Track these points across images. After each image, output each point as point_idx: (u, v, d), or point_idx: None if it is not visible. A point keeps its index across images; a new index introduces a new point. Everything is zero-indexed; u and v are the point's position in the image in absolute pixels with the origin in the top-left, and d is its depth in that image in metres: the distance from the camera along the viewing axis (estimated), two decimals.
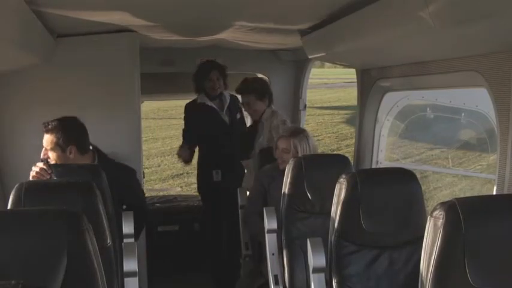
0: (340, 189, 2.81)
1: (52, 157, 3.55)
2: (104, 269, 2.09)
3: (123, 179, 3.78)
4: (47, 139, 3.57)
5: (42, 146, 3.60)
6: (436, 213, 2.01)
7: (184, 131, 5.31)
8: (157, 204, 6.02)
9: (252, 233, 4.25)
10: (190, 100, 5.28)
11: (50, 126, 3.55)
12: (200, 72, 5.13)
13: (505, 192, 2.57)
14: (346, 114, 18.16)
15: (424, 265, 2.05)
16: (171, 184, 12.77)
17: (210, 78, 5.08)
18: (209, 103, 5.13)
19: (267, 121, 4.79)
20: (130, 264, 2.92)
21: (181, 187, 12.31)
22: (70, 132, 3.56)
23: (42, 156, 3.56)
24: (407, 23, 2.66)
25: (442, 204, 2.02)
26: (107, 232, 2.72)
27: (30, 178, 3.28)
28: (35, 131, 4.23)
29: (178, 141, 5.62)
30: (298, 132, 4.05)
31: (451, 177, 11.14)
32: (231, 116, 5.19)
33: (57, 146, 3.54)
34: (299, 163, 3.53)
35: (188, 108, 5.27)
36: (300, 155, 3.89)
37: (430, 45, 2.89)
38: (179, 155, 5.19)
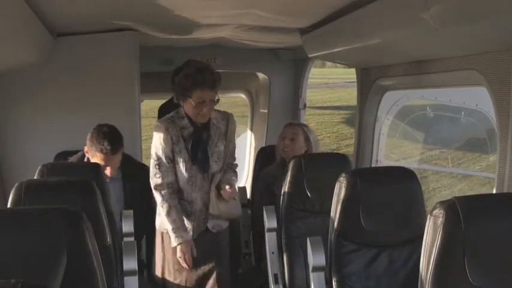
0: (340, 188, 2.81)
1: (114, 170, 3.57)
2: (103, 268, 2.09)
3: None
4: (118, 156, 3.55)
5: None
6: (435, 212, 2.01)
7: None
8: None
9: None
10: (166, 100, 5.16)
11: (115, 144, 3.51)
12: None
13: (505, 191, 2.57)
14: (346, 114, 18.15)
15: (423, 264, 2.05)
16: None
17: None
18: None
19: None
20: (130, 263, 2.92)
21: None
22: (122, 137, 3.61)
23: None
24: (407, 22, 2.66)
25: (442, 203, 2.02)
26: (107, 231, 2.72)
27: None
28: (35, 130, 4.24)
29: None
30: (304, 124, 4.11)
31: (450, 178, 11.13)
32: None
33: (121, 155, 3.61)
34: (299, 162, 3.53)
35: (163, 109, 5.05)
36: (313, 144, 3.94)
37: (430, 44, 2.89)
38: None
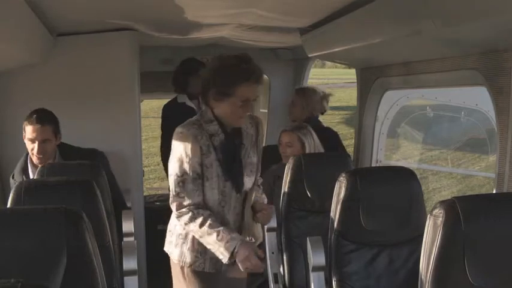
0: (340, 187, 2.81)
1: (42, 150, 3.43)
2: (103, 268, 2.09)
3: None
4: (45, 130, 3.44)
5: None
6: (435, 211, 2.02)
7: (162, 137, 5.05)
8: (157, 203, 6.00)
9: None
10: (169, 100, 5.14)
11: (43, 117, 3.45)
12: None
13: (505, 190, 2.57)
14: (346, 114, 18.14)
15: (423, 263, 2.05)
16: None
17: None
18: (189, 103, 4.85)
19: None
20: (130, 263, 2.92)
21: None
22: (56, 119, 3.53)
23: (34, 152, 3.42)
24: (407, 22, 2.66)
25: (442, 202, 2.02)
26: (107, 231, 2.72)
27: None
28: None
29: None
30: (301, 127, 4.07)
31: (450, 179, 11.14)
32: None
33: (52, 135, 3.49)
34: (299, 162, 3.53)
35: (167, 109, 5.04)
36: (307, 148, 3.91)
37: (430, 44, 2.89)
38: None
